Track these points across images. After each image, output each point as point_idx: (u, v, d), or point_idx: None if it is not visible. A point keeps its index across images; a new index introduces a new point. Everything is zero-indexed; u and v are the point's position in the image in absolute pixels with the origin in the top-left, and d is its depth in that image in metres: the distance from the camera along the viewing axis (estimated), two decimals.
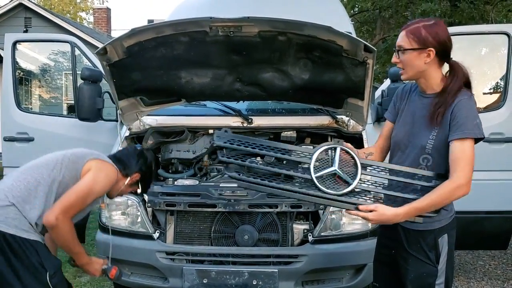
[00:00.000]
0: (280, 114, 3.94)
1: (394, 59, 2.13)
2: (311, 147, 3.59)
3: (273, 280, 2.98)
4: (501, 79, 4.35)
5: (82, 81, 4.02)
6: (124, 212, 3.28)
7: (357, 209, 1.98)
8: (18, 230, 2.19)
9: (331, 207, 3.01)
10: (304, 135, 3.80)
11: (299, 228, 3.21)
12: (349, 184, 1.99)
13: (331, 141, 3.72)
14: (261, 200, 3.12)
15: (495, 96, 4.45)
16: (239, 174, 2.13)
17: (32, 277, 2.19)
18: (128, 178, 2.63)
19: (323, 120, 3.70)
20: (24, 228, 2.21)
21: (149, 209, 3.25)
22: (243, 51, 3.02)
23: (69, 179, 2.36)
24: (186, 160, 3.76)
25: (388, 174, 2.10)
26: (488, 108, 4.22)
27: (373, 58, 2.99)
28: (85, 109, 3.96)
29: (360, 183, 2.01)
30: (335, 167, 2.00)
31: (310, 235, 3.10)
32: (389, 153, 2.31)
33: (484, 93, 4.57)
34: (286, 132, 3.72)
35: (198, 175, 3.76)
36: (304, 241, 3.15)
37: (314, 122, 3.72)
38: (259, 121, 3.75)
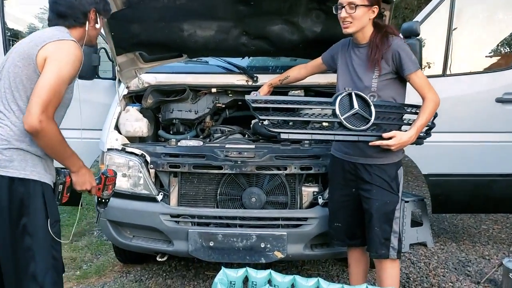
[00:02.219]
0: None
1: (342, 13, 2.48)
2: None
3: (281, 243, 2.87)
4: None
5: None
6: (125, 174, 3.11)
7: (379, 139, 2.38)
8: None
9: None
10: (312, 95, 3.62)
11: (308, 190, 3.07)
12: (368, 120, 2.38)
13: None
14: (269, 161, 2.97)
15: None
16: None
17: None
18: (87, 24, 2.22)
19: (333, 78, 3.50)
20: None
21: (152, 171, 3.09)
22: (251, 0, 2.81)
23: (28, 77, 2.04)
24: (188, 120, 3.59)
25: (388, 109, 2.49)
26: (501, 67, 4.05)
27: (390, 9, 2.80)
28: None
29: (376, 118, 2.38)
30: (357, 107, 2.38)
31: (320, 198, 2.97)
32: None
33: (496, 53, 4.39)
34: (293, 91, 3.54)
35: (201, 136, 3.60)
36: (313, 204, 3.02)
37: (324, 81, 3.55)
38: (264, 79, 3.54)
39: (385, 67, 2.50)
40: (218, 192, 3.04)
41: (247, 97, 2.39)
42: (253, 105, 2.34)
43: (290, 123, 2.43)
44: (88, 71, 3.70)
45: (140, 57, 3.45)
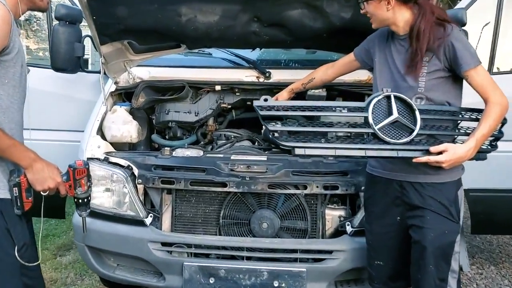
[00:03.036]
0: (306, 66, 3.14)
1: (362, 10, 2.10)
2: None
3: (300, 281, 2.30)
4: None
5: (57, 22, 3.21)
6: (108, 189, 2.55)
7: (426, 154, 1.89)
8: None
9: None
10: (335, 94, 3.03)
11: (332, 214, 2.49)
12: (411, 130, 1.90)
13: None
14: (284, 178, 2.39)
15: None
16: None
17: None
18: None
19: (361, 75, 2.93)
20: None
21: (140, 187, 2.52)
22: None
23: None
24: (187, 123, 3.01)
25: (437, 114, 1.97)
26: None
27: None
28: (61, 57, 3.11)
29: (422, 127, 1.91)
30: (396, 114, 1.90)
31: (348, 225, 2.39)
32: None
33: None
34: (313, 90, 2.94)
35: (202, 143, 3.03)
36: (339, 232, 2.44)
37: (349, 78, 2.93)
38: (278, 76, 2.98)
39: (435, 62, 1.98)
40: (221, 214, 2.46)
41: (255, 103, 1.89)
42: (262, 112, 1.86)
43: (309, 136, 1.92)
44: (70, 62, 3.11)
45: (130, 47, 2.87)
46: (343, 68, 2.46)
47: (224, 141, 2.88)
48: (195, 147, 2.72)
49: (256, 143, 2.89)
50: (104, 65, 2.84)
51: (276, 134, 1.87)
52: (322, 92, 2.94)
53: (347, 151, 1.90)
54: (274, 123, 1.89)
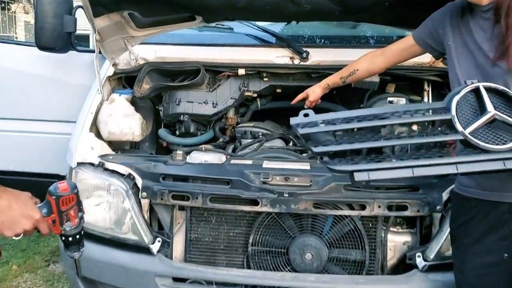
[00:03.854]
0: (352, 45, 2.53)
1: None
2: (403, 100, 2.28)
3: None
4: None
5: None
6: (104, 203, 1.98)
7: None
8: None
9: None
10: (388, 80, 2.42)
11: (396, 240, 1.91)
12: None
13: (428, 88, 2.40)
14: (335, 195, 1.80)
15: None
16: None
17: None
18: None
19: (422, 56, 2.29)
20: None
21: (145, 202, 1.95)
22: None
23: None
24: (203, 117, 2.42)
25: None
26: None
27: None
28: (48, 33, 2.51)
29: None
30: (492, 111, 1.30)
31: (419, 256, 1.81)
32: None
33: None
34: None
35: (222, 140, 2.43)
36: (406, 265, 1.86)
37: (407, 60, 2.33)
38: (318, 56, 2.38)
39: None
40: (251, 241, 1.89)
41: (292, 121, 1.32)
42: (303, 131, 1.29)
43: (372, 154, 1.30)
44: (59, 40, 2.49)
45: (131, 21, 2.26)
46: (398, 55, 1.91)
47: (250, 141, 2.29)
48: (215, 150, 2.12)
49: (291, 143, 2.30)
50: (99, 43, 2.23)
51: (325, 158, 1.28)
52: (375, 78, 2.33)
53: (430, 170, 1.29)
54: (321, 143, 1.31)
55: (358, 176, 1.25)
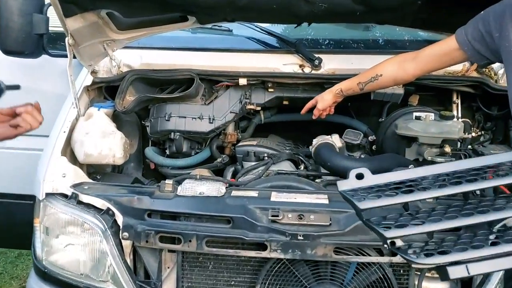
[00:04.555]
0: (373, 50, 2.19)
1: None
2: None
3: None
4: None
5: None
6: (78, 246, 1.63)
7: None
8: None
9: None
10: (411, 90, 2.09)
11: None
12: None
13: (457, 100, 2.08)
14: (360, 236, 1.47)
15: None
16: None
17: None
18: None
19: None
20: None
21: (127, 243, 1.60)
22: None
23: None
24: (197, 134, 2.07)
25: None
26: None
27: None
28: (14, 35, 2.14)
29: None
30: None
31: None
32: None
33: None
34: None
35: (220, 160, 2.09)
36: None
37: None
38: (332, 64, 2.05)
39: None
40: None
41: (341, 187, 0.98)
42: (363, 205, 0.95)
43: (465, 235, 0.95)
44: (28, 43, 2.12)
45: (111, 22, 1.91)
46: (435, 61, 1.59)
47: (253, 164, 1.94)
48: (213, 178, 1.77)
49: (302, 166, 1.95)
50: (73, 47, 1.88)
51: (399, 243, 0.93)
52: (398, 89, 1.99)
53: None
54: (390, 223, 0.97)
55: (453, 272, 0.89)
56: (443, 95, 2.15)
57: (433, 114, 1.95)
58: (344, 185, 0.94)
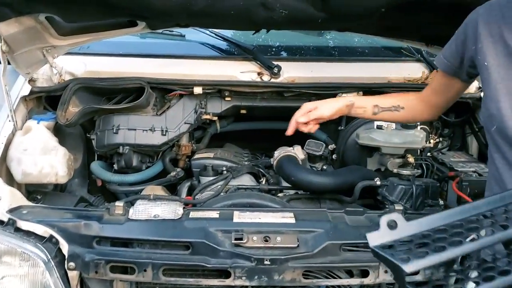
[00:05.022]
0: (333, 58, 2.12)
1: None
2: None
3: None
4: None
5: None
6: (16, 278, 1.45)
7: None
8: None
9: None
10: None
11: None
12: None
13: None
14: (330, 257, 1.39)
15: None
16: None
17: None
18: None
19: (412, 71, 1.96)
20: None
21: (73, 274, 1.44)
22: None
23: None
24: (149, 147, 1.92)
25: None
26: None
27: None
28: None
29: None
30: None
31: None
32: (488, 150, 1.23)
33: None
34: (344, 95, 1.94)
35: (173, 174, 1.95)
36: None
37: (396, 76, 1.99)
38: (292, 72, 1.97)
39: None
40: None
41: (372, 242, 0.78)
42: (410, 267, 0.75)
43: None
44: None
45: (51, 27, 1.73)
46: (445, 98, 1.44)
47: (211, 179, 1.82)
48: (168, 198, 1.63)
49: (263, 180, 1.86)
50: (8, 54, 1.68)
51: None
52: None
53: None
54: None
55: None
56: None
57: (394, 123, 1.92)
58: (375, 238, 0.77)
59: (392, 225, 0.78)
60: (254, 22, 1.69)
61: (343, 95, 1.94)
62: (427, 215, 0.84)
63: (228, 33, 2.07)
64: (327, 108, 1.47)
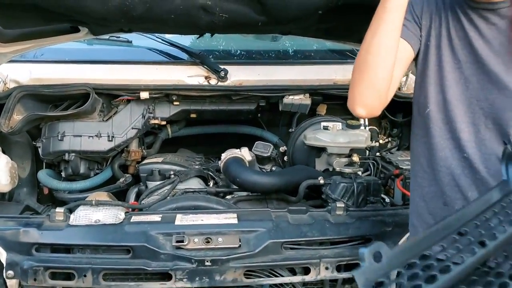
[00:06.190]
0: (279, 61, 2.15)
1: None
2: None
3: None
4: None
5: None
6: None
7: None
8: None
9: None
10: (319, 100, 2.08)
11: None
12: None
13: None
14: (272, 256, 1.40)
15: None
16: None
17: None
18: None
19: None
20: None
21: (12, 282, 1.41)
22: None
23: None
24: (96, 154, 1.90)
25: None
26: None
27: None
28: None
29: None
30: None
31: None
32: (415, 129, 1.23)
33: None
34: (291, 97, 1.97)
35: (122, 181, 1.94)
36: None
37: (342, 78, 2.02)
38: (238, 75, 1.98)
39: None
40: None
41: (359, 278, 0.68)
42: None
43: None
44: None
45: None
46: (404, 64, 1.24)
47: (158, 183, 1.81)
48: (111, 203, 1.62)
49: (211, 183, 1.86)
50: None
51: None
52: (305, 99, 1.97)
53: None
54: None
55: None
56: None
57: (340, 123, 1.95)
58: (362, 276, 0.67)
59: (378, 257, 0.73)
60: (196, 26, 1.69)
61: (290, 97, 1.98)
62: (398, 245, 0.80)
63: (175, 38, 2.08)
64: None
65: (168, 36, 2.09)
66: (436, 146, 1.16)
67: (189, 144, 2.25)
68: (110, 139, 1.89)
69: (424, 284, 0.69)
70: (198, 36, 1.79)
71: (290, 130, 2.11)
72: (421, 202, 1.23)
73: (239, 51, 2.24)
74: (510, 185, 0.89)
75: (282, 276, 1.42)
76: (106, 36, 2.02)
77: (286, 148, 2.06)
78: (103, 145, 1.88)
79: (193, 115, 2.05)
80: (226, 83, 1.95)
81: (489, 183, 1.08)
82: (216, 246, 1.40)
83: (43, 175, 1.90)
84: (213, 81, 1.95)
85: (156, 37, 2.06)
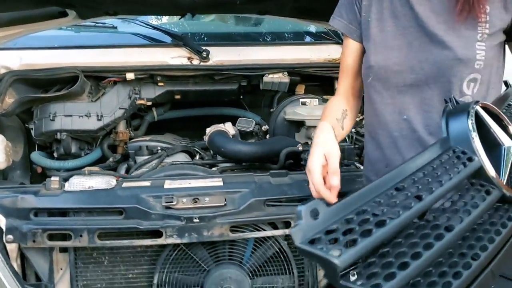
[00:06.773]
0: (259, 42, 2.27)
1: None
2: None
3: None
4: None
5: None
6: None
7: None
8: None
9: None
10: (297, 81, 2.20)
11: None
12: None
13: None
14: (256, 213, 1.51)
15: None
16: None
17: None
18: None
19: (332, 52, 2.13)
20: None
21: (12, 247, 1.50)
22: None
23: None
24: (85, 133, 2.00)
25: None
26: None
27: None
28: None
29: None
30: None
31: (353, 275, 1.56)
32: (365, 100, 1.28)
33: None
34: (271, 75, 2.09)
35: (112, 159, 2.03)
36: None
37: (317, 57, 2.15)
38: (220, 56, 2.10)
39: (499, 16, 1.12)
40: (156, 281, 1.52)
41: (296, 234, 0.72)
42: (343, 261, 0.69)
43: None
44: None
45: None
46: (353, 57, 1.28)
47: (146, 157, 1.91)
48: (102, 172, 1.72)
49: (197, 157, 1.97)
50: None
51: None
52: (284, 78, 2.10)
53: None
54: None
55: None
56: (327, 85, 2.28)
57: (317, 99, 2.08)
58: (299, 233, 0.68)
59: (315, 214, 0.74)
60: (178, 6, 1.82)
61: (270, 76, 2.09)
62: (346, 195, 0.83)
63: (160, 24, 2.18)
64: (335, 156, 1.08)
65: (150, 21, 2.19)
66: (378, 112, 1.20)
67: (175, 128, 2.34)
68: (99, 118, 1.98)
69: (360, 238, 0.71)
70: (180, 17, 1.90)
71: (271, 109, 2.22)
72: (369, 166, 1.30)
73: (220, 34, 2.35)
74: (450, 141, 0.94)
75: (265, 230, 1.53)
76: (92, 24, 2.12)
77: (268, 127, 2.17)
78: (92, 124, 1.97)
79: (177, 96, 2.15)
80: (208, 63, 2.06)
81: (428, 143, 1.09)
82: (204, 205, 1.49)
83: (36, 156, 1.98)
84: (196, 62, 2.05)
85: (140, 21, 2.16)
